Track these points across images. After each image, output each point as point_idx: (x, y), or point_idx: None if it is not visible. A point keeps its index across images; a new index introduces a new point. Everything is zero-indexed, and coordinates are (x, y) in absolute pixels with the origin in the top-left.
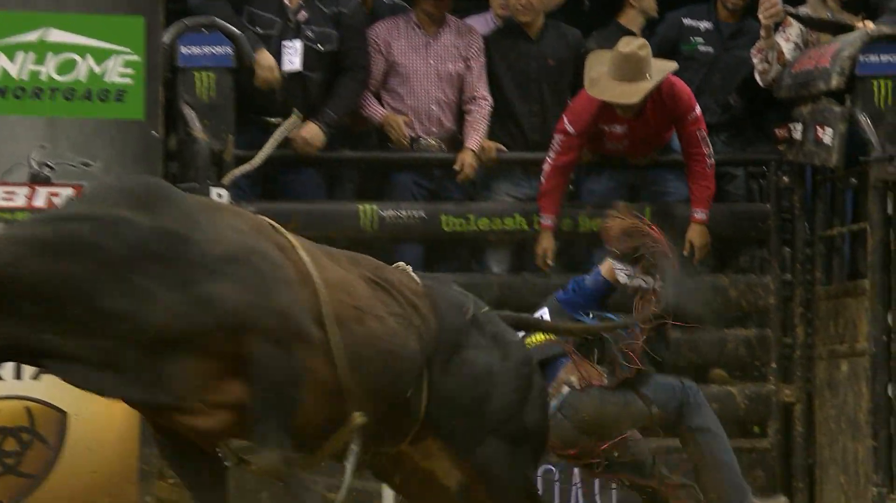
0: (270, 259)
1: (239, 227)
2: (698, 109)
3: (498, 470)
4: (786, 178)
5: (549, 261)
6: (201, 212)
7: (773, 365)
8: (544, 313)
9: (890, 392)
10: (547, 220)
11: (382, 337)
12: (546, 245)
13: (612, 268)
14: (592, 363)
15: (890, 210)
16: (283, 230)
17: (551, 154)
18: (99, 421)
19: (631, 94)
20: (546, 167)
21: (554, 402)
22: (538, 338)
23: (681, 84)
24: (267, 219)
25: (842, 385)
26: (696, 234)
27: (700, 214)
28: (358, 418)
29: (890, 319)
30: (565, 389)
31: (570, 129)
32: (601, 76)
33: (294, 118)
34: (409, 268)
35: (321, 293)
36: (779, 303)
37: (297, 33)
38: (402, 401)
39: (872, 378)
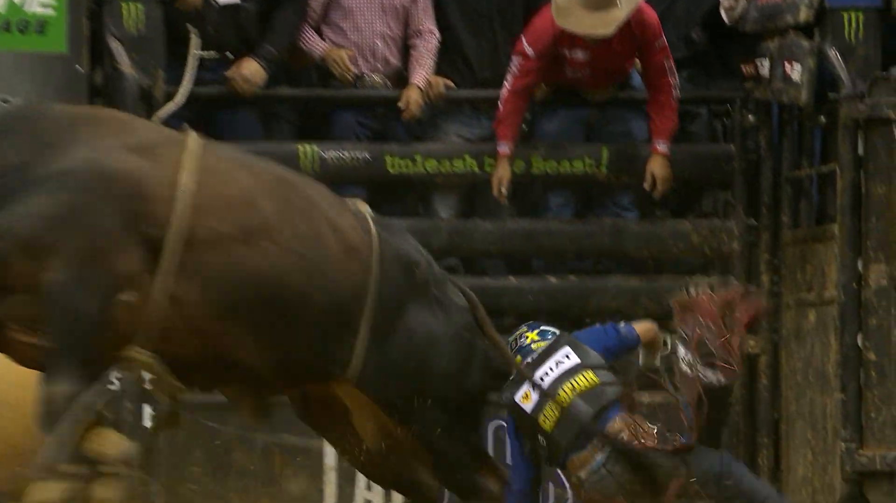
0: (108, 174)
1: (109, 143)
2: (664, 38)
3: (438, 436)
4: (751, 117)
5: (504, 191)
6: (71, 126)
7: None
8: (569, 352)
9: (860, 342)
10: (504, 148)
11: (270, 265)
12: (502, 174)
13: (656, 337)
14: (644, 419)
15: (861, 150)
16: (194, 145)
17: (508, 78)
18: None
19: (603, 24)
20: (503, 92)
21: (600, 457)
22: (584, 382)
23: (649, 10)
24: (180, 133)
25: (809, 335)
26: (657, 166)
27: (662, 146)
28: (137, 353)
29: (860, 266)
30: (615, 446)
31: (528, 50)
32: (570, 5)
33: (194, 38)
34: (368, 212)
35: (178, 208)
36: (743, 249)
37: None
38: (307, 341)
39: (841, 328)
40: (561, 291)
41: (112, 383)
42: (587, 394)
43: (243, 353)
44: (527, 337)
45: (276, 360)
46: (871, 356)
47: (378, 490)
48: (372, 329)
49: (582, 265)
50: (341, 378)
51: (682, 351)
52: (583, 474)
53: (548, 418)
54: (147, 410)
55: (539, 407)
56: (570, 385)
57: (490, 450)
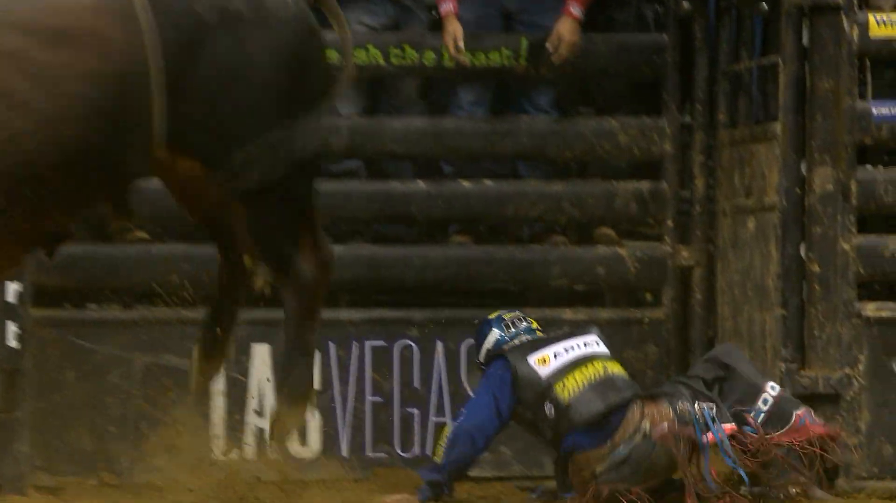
0: None
1: None
2: None
3: (255, 195)
4: (686, 4)
5: (461, 45)
6: None
7: (669, 222)
8: (599, 340)
9: (802, 253)
10: (447, 6)
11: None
12: (454, 29)
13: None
14: (662, 404)
15: (805, 41)
16: None
17: None
18: None
19: None
20: None
21: (623, 449)
22: (616, 367)
23: None
24: None
25: (748, 245)
26: (566, 29)
27: (576, 9)
28: None
29: (803, 169)
30: (637, 437)
31: None
32: None
33: None
34: None
35: None
36: (676, 151)
37: None
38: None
39: (783, 237)
40: (475, 197)
41: None
42: (618, 376)
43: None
44: (529, 321)
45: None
46: (815, 268)
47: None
48: (167, 78)
49: (498, 168)
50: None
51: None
52: (599, 468)
53: (567, 387)
54: (11, 328)
55: (560, 373)
56: (601, 363)
57: (395, 371)
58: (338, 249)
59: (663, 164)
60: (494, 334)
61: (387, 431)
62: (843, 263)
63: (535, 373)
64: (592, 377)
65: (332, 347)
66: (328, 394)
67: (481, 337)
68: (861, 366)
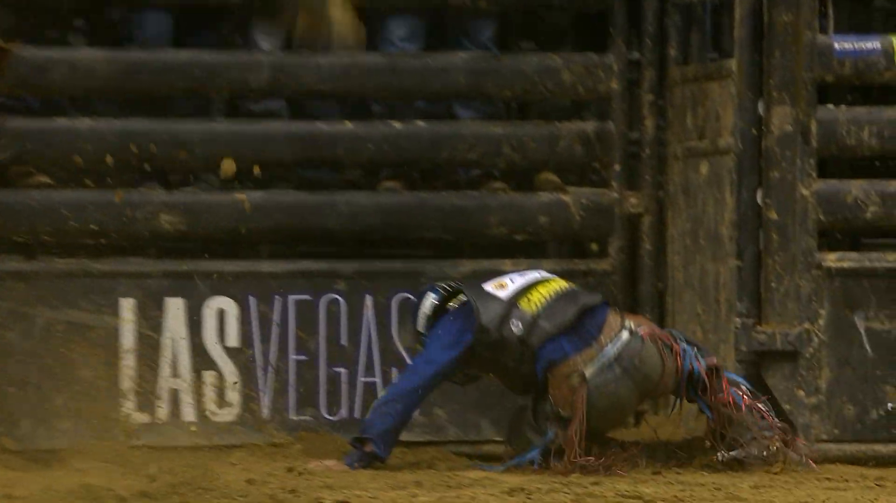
0: None
1: None
2: None
3: None
4: None
5: None
6: None
7: (616, 167)
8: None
9: (759, 199)
10: None
11: None
12: None
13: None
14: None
15: None
16: None
17: None
18: None
19: None
20: None
21: (611, 348)
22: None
23: None
24: None
25: (700, 191)
26: None
27: None
28: None
29: (761, 108)
30: (624, 334)
31: None
32: None
33: None
34: None
35: None
36: (623, 89)
37: None
38: None
39: (738, 182)
40: (407, 139)
41: None
42: (582, 290)
43: None
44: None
45: None
46: (773, 215)
47: (186, 376)
48: None
49: (432, 108)
50: None
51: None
52: (588, 370)
53: (533, 301)
54: None
55: (521, 292)
56: (561, 281)
57: (321, 327)
58: (258, 196)
59: (610, 104)
60: (430, 298)
61: (312, 393)
62: (802, 210)
63: (494, 295)
64: (557, 290)
65: (252, 302)
66: (248, 353)
67: (416, 306)
68: (821, 321)
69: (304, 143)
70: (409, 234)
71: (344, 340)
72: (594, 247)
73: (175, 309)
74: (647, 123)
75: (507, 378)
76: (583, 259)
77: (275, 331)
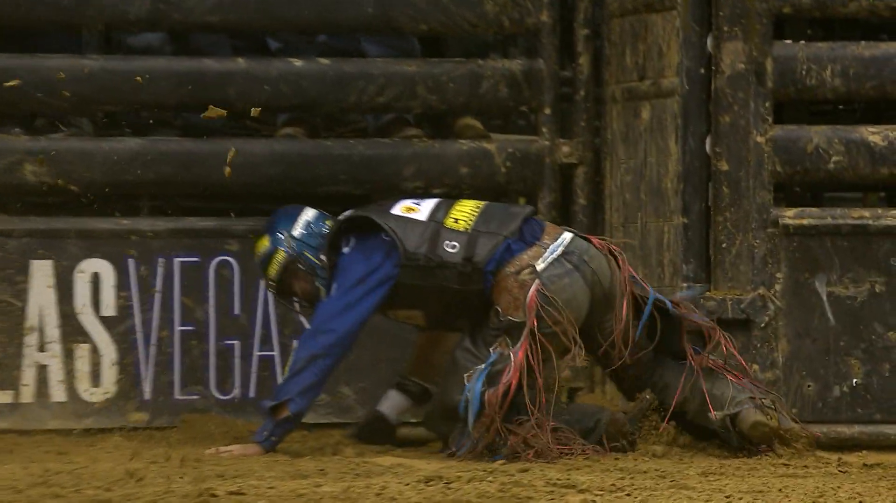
0: None
1: None
2: None
3: None
4: None
5: None
6: None
7: (547, 111)
8: None
9: (708, 148)
10: None
11: None
12: None
13: None
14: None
15: None
16: None
17: None
18: None
19: None
20: None
21: (557, 244)
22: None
23: None
24: None
25: (641, 139)
26: None
27: None
28: None
29: (709, 44)
30: (567, 234)
31: None
32: None
33: None
34: None
35: None
36: (555, 22)
37: None
38: None
39: (684, 128)
40: (309, 78)
41: None
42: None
43: None
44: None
45: None
46: (723, 166)
47: (55, 350)
48: None
49: (337, 44)
50: None
51: None
52: (539, 264)
53: (460, 220)
54: None
55: (439, 212)
56: (471, 200)
57: (210, 294)
58: (136, 143)
59: (539, 39)
60: (309, 215)
61: (200, 369)
62: (756, 160)
63: (410, 218)
64: (479, 205)
65: (131, 265)
66: (127, 323)
67: (286, 227)
68: (778, 286)
69: (191, 83)
70: (311, 188)
71: (237, 310)
72: (522, 201)
73: (41, 273)
74: (582, 61)
75: (441, 309)
76: None
77: (157, 298)
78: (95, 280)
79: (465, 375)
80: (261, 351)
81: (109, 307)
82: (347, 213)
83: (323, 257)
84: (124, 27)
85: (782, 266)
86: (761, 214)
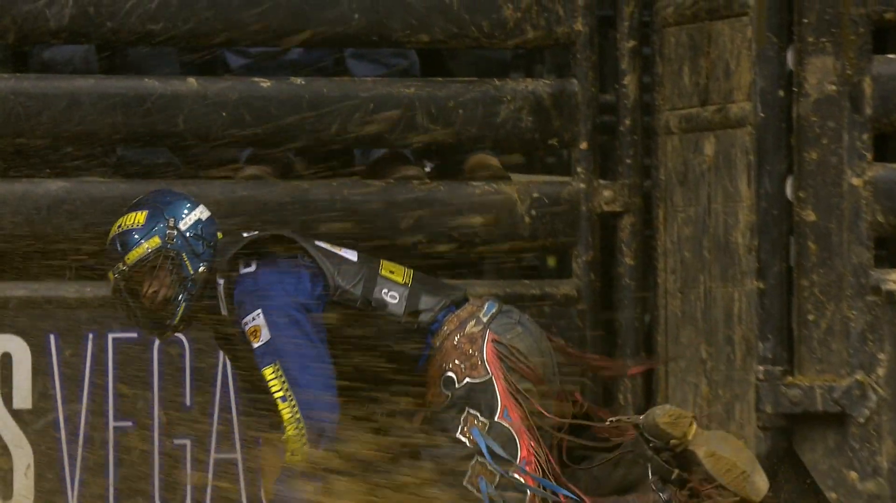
0: None
1: None
2: None
3: None
4: None
5: None
6: None
7: (583, 145)
8: None
9: (789, 192)
10: None
11: None
12: None
13: None
14: None
15: None
16: None
17: None
18: None
19: None
20: None
21: (489, 305)
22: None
23: None
24: None
25: (705, 181)
26: None
27: None
28: None
29: (790, 59)
30: (494, 301)
31: None
32: None
33: None
34: None
35: None
36: (592, 31)
37: None
38: None
39: (758, 167)
40: (278, 104)
41: None
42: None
43: None
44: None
45: None
46: (809, 215)
47: None
48: None
49: (314, 59)
50: None
51: None
52: (482, 316)
53: (395, 272)
54: None
55: (368, 259)
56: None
57: (155, 380)
58: (58, 187)
59: (573, 53)
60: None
61: (142, 477)
62: (852, 208)
63: (338, 254)
64: (408, 271)
65: (52, 343)
66: (48, 418)
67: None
68: (881, 370)
69: (126, 110)
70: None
71: (189, 400)
72: (551, 261)
73: None
74: (627, 82)
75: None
76: (535, 279)
77: (86, 385)
78: (6, 363)
79: (466, 484)
80: (219, 453)
81: (24, 398)
82: (252, 233)
83: (202, 268)
84: (42, 38)
85: (886, 344)
86: (858, 278)
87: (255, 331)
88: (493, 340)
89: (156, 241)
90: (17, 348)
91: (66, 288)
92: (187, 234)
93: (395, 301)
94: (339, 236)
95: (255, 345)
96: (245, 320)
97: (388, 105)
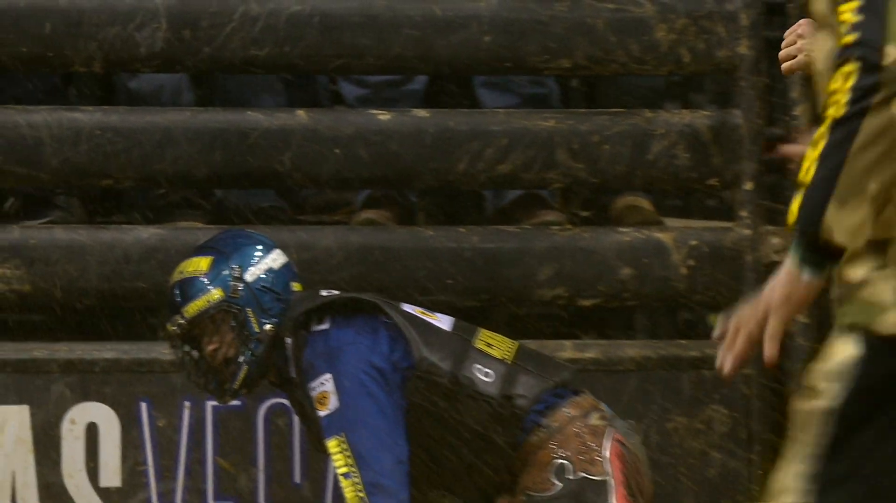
0: None
1: None
2: None
3: None
4: None
5: None
6: None
7: (748, 185)
8: None
9: None
10: None
11: None
12: None
13: None
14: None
15: None
16: None
17: None
18: None
19: None
20: None
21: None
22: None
23: None
24: None
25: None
26: None
27: None
28: None
29: None
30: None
31: None
32: None
33: None
34: None
35: None
36: (758, 55)
37: None
38: None
39: None
40: (400, 138)
41: None
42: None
43: None
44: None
45: None
46: None
47: None
48: None
49: (437, 88)
50: None
51: None
52: (607, 410)
53: (494, 345)
54: None
55: (465, 328)
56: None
57: (260, 453)
58: (150, 234)
59: (736, 79)
60: (275, 258)
61: None
62: None
63: (428, 322)
64: (511, 343)
65: (144, 411)
66: (139, 497)
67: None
68: None
69: (226, 146)
70: (403, 297)
71: (297, 476)
72: (713, 319)
73: (13, 423)
74: (800, 112)
75: (432, 461)
76: (692, 339)
77: (182, 460)
78: (91, 434)
79: None
80: None
81: (112, 474)
82: (332, 292)
83: (269, 326)
84: (131, 66)
85: None
86: None
87: (324, 397)
88: (619, 440)
89: (218, 294)
90: (104, 418)
91: (159, 349)
92: (255, 286)
93: (489, 380)
94: (466, 291)
95: (322, 413)
96: (312, 384)
97: (523, 140)
